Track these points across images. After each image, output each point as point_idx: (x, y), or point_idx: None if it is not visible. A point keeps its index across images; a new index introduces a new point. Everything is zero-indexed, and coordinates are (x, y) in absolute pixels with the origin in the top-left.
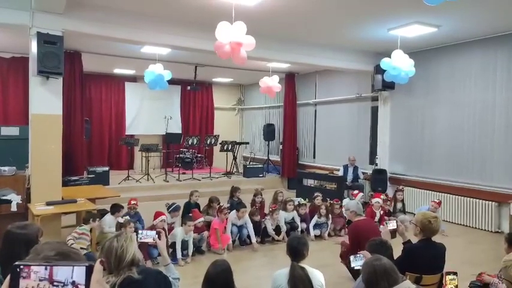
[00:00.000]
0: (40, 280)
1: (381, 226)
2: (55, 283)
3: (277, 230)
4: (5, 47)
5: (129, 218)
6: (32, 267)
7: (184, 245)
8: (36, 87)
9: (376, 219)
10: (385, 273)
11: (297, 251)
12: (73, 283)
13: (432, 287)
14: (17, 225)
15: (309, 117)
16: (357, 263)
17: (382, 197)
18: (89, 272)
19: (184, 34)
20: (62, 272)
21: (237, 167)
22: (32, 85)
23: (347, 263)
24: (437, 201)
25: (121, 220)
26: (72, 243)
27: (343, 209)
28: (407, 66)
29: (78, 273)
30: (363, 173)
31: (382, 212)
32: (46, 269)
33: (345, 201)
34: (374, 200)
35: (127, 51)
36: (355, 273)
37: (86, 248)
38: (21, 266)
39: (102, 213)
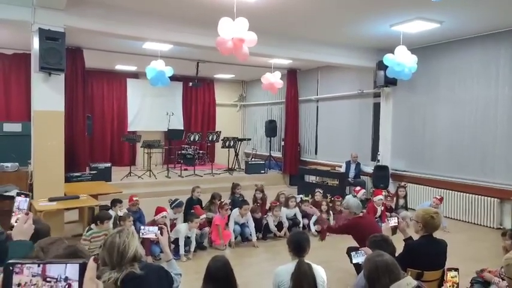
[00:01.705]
0: (33, 276)
1: (383, 224)
2: (48, 279)
3: (279, 226)
4: (6, 44)
5: (127, 212)
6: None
7: (187, 241)
8: (38, 83)
9: (378, 215)
10: (387, 269)
11: (300, 247)
12: (66, 279)
13: (433, 283)
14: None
15: (311, 113)
16: (357, 259)
17: (384, 193)
18: (83, 269)
19: (186, 30)
20: (54, 269)
21: (239, 163)
22: (34, 81)
23: (349, 257)
24: (439, 197)
25: (120, 213)
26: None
27: (343, 206)
28: (410, 62)
29: (72, 270)
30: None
31: (383, 208)
32: (39, 266)
33: (347, 198)
34: (377, 198)
35: (129, 47)
36: (358, 268)
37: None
38: (17, 265)
39: (106, 209)
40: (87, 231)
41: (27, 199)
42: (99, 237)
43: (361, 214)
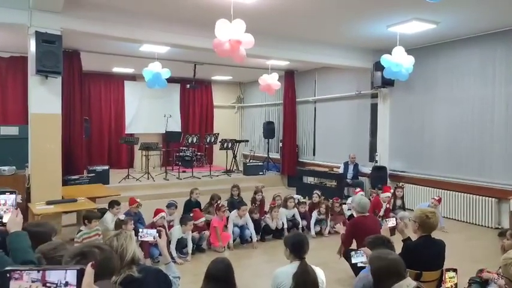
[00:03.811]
0: (33, 281)
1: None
2: (48, 284)
3: (278, 231)
4: (3, 47)
5: (129, 216)
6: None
7: (183, 243)
8: (35, 86)
9: (382, 212)
10: (396, 270)
11: (301, 248)
12: (66, 284)
13: (432, 283)
14: (32, 224)
15: (309, 114)
16: (357, 259)
17: (392, 190)
18: (80, 275)
19: (183, 32)
20: (54, 274)
21: (237, 165)
22: (31, 84)
23: (347, 258)
24: (437, 198)
25: (122, 217)
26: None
27: (347, 205)
28: (407, 63)
29: (71, 275)
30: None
31: (388, 206)
32: (39, 271)
33: (351, 198)
34: (384, 195)
35: (126, 49)
36: (356, 269)
37: None
38: (16, 271)
39: (102, 212)
40: (77, 233)
41: (14, 195)
42: (90, 238)
43: (366, 214)
